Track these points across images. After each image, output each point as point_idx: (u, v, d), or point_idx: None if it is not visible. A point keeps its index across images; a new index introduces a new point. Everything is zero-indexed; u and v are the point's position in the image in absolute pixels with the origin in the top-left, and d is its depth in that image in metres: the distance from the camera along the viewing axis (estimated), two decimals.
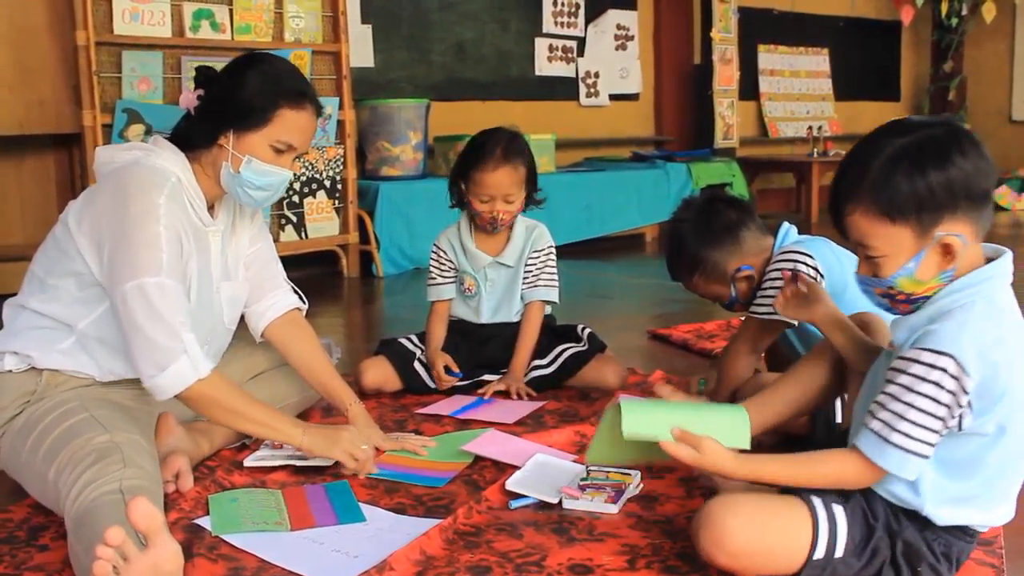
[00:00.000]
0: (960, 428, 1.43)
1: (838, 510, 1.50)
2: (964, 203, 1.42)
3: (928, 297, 1.47)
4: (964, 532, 1.52)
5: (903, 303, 1.49)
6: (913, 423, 1.40)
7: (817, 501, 1.49)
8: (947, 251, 1.43)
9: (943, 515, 1.48)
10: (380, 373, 2.74)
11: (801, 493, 1.50)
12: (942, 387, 1.39)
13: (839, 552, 1.49)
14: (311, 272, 5.01)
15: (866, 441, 1.45)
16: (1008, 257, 1.48)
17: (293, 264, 2.38)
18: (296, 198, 4.93)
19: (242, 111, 1.99)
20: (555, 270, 2.82)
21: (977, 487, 1.48)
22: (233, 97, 1.99)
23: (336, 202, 5.10)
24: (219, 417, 1.96)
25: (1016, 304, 1.49)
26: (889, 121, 1.51)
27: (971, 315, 1.42)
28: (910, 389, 1.41)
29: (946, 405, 1.40)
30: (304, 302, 2.33)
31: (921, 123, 1.47)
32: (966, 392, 1.40)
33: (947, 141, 1.43)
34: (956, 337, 1.40)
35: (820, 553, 1.48)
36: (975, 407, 1.42)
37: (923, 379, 1.40)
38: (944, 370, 1.39)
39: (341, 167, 5.10)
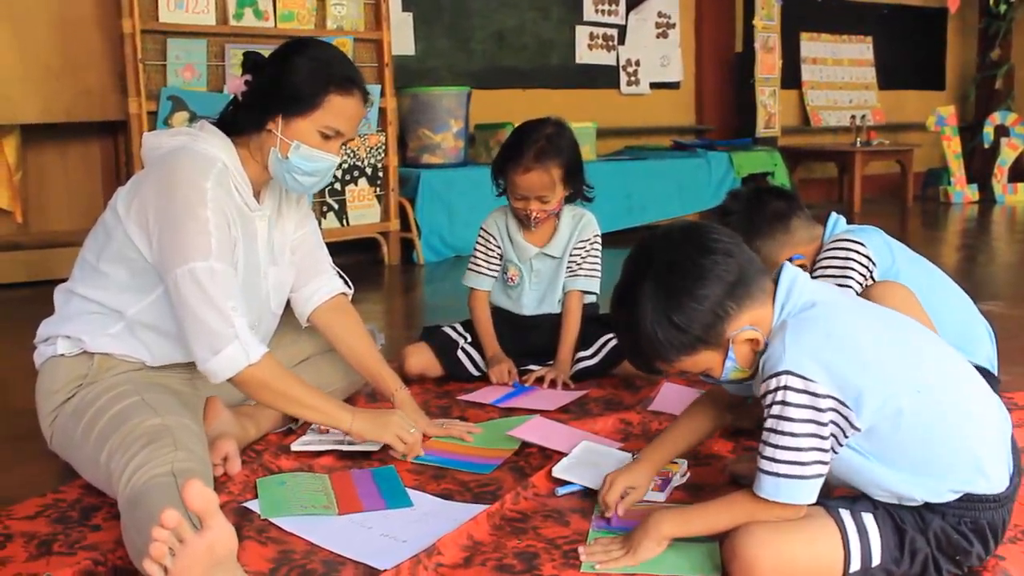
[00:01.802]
0: (858, 429, 1.44)
1: (867, 518, 1.49)
2: (728, 306, 1.49)
3: None
4: (976, 500, 1.47)
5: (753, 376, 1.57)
6: (776, 446, 1.44)
7: (845, 514, 1.49)
8: (748, 341, 1.51)
9: (939, 496, 1.46)
10: (423, 359, 2.74)
11: (829, 507, 1.49)
12: (788, 404, 1.42)
13: (876, 560, 1.47)
14: (352, 259, 5.02)
15: (755, 477, 1.48)
16: (787, 268, 1.54)
17: (334, 251, 2.39)
18: (338, 185, 4.95)
19: (291, 97, 1.99)
20: (598, 260, 2.79)
21: (927, 459, 1.45)
22: (282, 83, 1.99)
23: (377, 190, 5.12)
24: (269, 400, 1.97)
25: (843, 294, 1.61)
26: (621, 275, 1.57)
27: (788, 330, 1.47)
28: (770, 416, 1.45)
29: (804, 420, 1.42)
30: (350, 287, 2.34)
31: (639, 268, 1.53)
32: (820, 395, 1.41)
33: (672, 286, 1.49)
34: (781, 356, 1.45)
35: (856, 565, 1.47)
36: (851, 403, 1.42)
37: (772, 403, 1.44)
38: (787, 387, 1.43)
39: (382, 155, 5.11)
